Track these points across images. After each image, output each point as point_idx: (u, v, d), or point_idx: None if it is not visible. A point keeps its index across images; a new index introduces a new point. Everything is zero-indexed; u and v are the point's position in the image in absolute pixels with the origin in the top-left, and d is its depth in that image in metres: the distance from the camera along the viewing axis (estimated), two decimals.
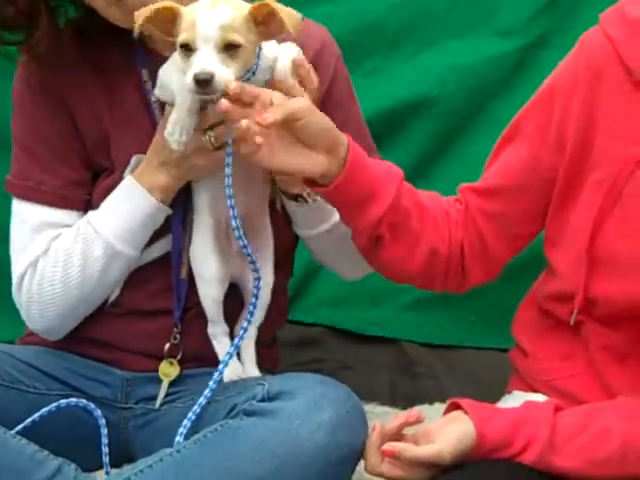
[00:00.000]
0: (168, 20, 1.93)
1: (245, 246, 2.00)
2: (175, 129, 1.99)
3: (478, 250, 2.14)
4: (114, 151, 2.21)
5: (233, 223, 1.98)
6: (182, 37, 1.89)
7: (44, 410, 2.06)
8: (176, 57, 1.99)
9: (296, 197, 2.15)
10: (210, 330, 2.17)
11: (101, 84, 2.21)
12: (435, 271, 2.14)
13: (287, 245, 2.30)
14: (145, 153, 2.16)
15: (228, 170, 1.96)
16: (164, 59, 2.09)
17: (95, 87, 2.21)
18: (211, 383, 2.03)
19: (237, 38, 1.89)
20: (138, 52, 2.20)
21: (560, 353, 2.10)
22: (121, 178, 2.19)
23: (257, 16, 1.91)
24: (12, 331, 2.42)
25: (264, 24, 1.93)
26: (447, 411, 1.98)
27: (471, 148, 2.95)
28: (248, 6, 1.92)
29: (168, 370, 2.21)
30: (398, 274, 2.17)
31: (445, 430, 1.91)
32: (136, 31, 1.93)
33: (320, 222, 2.21)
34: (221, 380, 2.08)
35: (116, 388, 2.22)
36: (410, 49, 2.96)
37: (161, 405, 2.21)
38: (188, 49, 1.90)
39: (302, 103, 1.95)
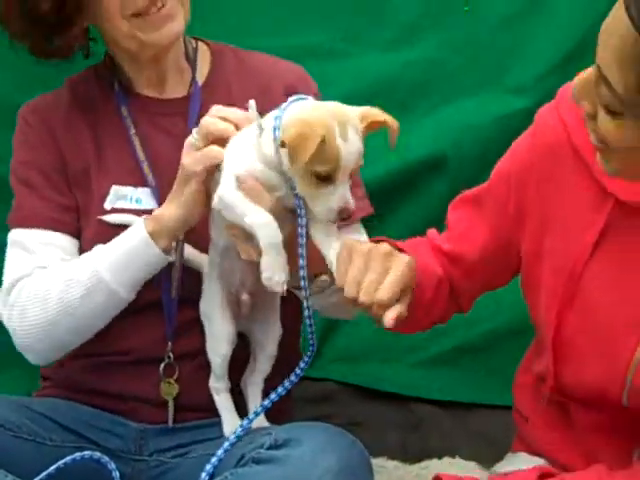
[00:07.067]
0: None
1: (310, 317, 2.02)
2: (274, 273, 1.96)
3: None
4: (95, 182, 2.31)
5: (303, 294, 2.01)
6: (324, 168, 1.88)
7: (60, 462, 2.08)
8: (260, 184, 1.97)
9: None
10: (213, 384, 2.21)
11: (86, 120, 2.35)
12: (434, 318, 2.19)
13: (295, 310, 2.29)
14: (125, 185, 2.28)
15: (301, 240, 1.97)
16: (142, 98, 2.32)
17: (80, 123, 2.35)
18: (226, 444, 2.08)
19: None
20: (117, 91, 2.35)
21: (553, 425, 2.11)
22: (101, 209, 2.27)
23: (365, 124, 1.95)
24: (28, 385, 2.46)
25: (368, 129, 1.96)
26: None
27: None
28: (357, 115, 1.93)
29: (169, 389, 2.27)
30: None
31: None
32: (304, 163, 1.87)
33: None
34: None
35: (129, 440, 2.25)
36: (423, 107, 2.98)
37: (173, 458, 2.25)
38: (326, 179, 1.90)
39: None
